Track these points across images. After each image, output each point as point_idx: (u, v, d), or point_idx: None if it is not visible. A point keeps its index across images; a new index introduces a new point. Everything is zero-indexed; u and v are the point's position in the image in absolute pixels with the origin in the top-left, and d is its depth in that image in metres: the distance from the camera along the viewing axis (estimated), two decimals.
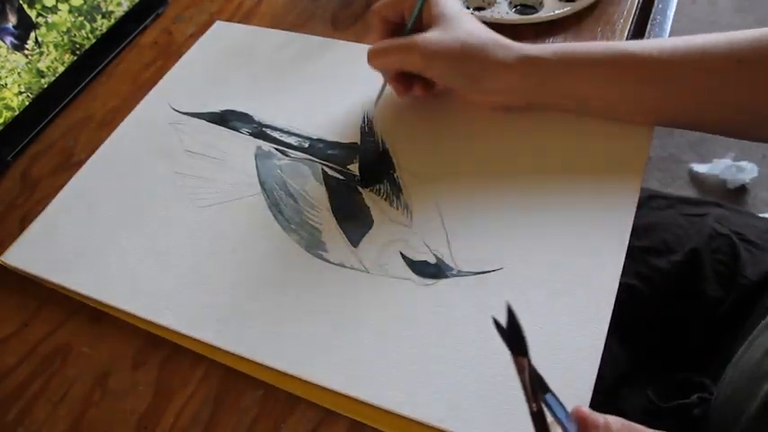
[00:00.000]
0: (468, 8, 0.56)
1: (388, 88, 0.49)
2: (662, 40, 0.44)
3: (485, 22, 0.46)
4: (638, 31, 0.57)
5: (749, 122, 0.44)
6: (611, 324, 0.37)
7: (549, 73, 0.44)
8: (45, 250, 0.45)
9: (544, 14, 0.55)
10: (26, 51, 0.54)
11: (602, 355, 0.36)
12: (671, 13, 0.62)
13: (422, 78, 0.47)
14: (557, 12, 0.54)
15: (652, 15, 0.60)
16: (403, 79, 0.47)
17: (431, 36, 0.44)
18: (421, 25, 0.46)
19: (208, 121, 0.53)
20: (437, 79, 0.46)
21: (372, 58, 0.46)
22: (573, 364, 0.36)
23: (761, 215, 0.62)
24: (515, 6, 0.57)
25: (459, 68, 0.44)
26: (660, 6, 0.60)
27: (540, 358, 0.36)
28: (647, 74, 0.43)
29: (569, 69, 0.43)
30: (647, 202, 0.61)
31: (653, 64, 0.42)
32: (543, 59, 0.43)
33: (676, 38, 0.43)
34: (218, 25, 0.61)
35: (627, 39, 0.54)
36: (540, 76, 0.44)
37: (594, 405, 0.34)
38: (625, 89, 0.44)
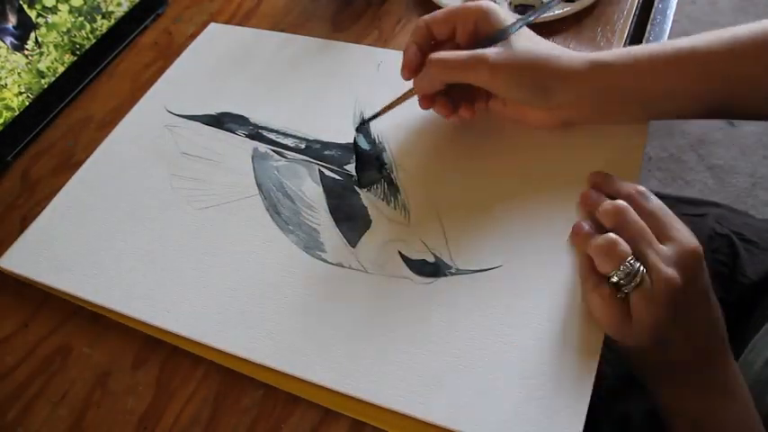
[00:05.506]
0: None
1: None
2: (716, 33, 0.42)
3: None
4: (639, 31, 0.57)
5: None
6: None
7: (617, 77, 0.42)
8: (42, 254, 0.45)
9: (544, 14, 0.55)
10: (26, 52, 0.54)
11: (604, 354, 0.36)
12: (671, 12, 0.62)
13: (465, 99, 0.45)
14: (557, 12, 0.55)
15: (652, 15, 0.60)
16: (448, 100, 0.45)
17: (497, 50, 0.42)
18: (466, 41, 0.44)
19: (204, 123, 0.53)
20: (504, 93, 0.44)
21: (434, 67, 0.43)
22: (572, 362, 0.36)
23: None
24: (515, 6, 0.57)
25: (531, 79, 0.42)
26: (660, 6, 0.61)
27: (539, 356, 0.36)
28: (711, 69, 0.41)
29: (636, 71, 0.42)
30: None
31: (715, 58, 0.41)
32: (610, 63, 0.42)
33: (723, 30, 0.42)
34: (212, 27, 0.61)
35: (627, 39, 0.54)
36: (609, 82, 0.42)
37: (596, 404, 0.34)
38: (690, 86, 0.42)
